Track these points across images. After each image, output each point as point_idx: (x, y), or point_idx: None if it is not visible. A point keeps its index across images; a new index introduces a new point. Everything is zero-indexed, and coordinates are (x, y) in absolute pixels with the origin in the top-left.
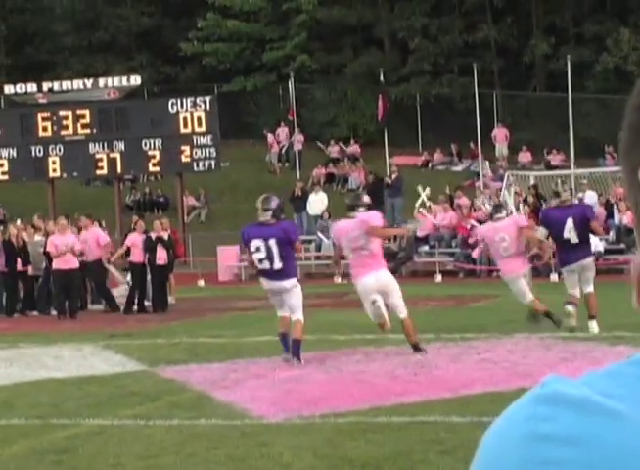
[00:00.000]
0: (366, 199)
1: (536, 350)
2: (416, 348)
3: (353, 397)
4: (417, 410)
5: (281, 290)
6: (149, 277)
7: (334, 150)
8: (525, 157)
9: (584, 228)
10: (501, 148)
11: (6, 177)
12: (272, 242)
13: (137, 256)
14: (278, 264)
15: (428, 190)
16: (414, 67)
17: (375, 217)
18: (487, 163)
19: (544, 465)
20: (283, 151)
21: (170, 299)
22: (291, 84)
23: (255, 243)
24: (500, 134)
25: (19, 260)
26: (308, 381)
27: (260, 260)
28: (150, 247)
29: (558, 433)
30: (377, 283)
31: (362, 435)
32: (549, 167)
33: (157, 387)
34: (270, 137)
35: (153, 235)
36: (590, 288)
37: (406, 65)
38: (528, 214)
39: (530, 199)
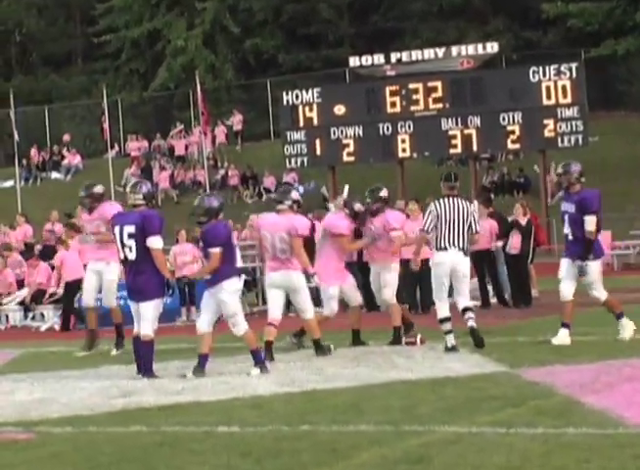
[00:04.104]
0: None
1: None
2: None
3: None
4: None
5: None
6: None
7: None
8: None
9: None
10: None
11: (352, 158)
12: None
13: (480, 242)
14: None
15: None
16: None
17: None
18: None
19: None
20: None
21: (534, 292)
22: None
23: None
24: None
25: None
26: None
27: None
28: (505, 233)
29: None
30: None
31: None
32: None
33: (519, 390)
34: None
35: (510, 220)
36: None
37: None
38: None
39: None
